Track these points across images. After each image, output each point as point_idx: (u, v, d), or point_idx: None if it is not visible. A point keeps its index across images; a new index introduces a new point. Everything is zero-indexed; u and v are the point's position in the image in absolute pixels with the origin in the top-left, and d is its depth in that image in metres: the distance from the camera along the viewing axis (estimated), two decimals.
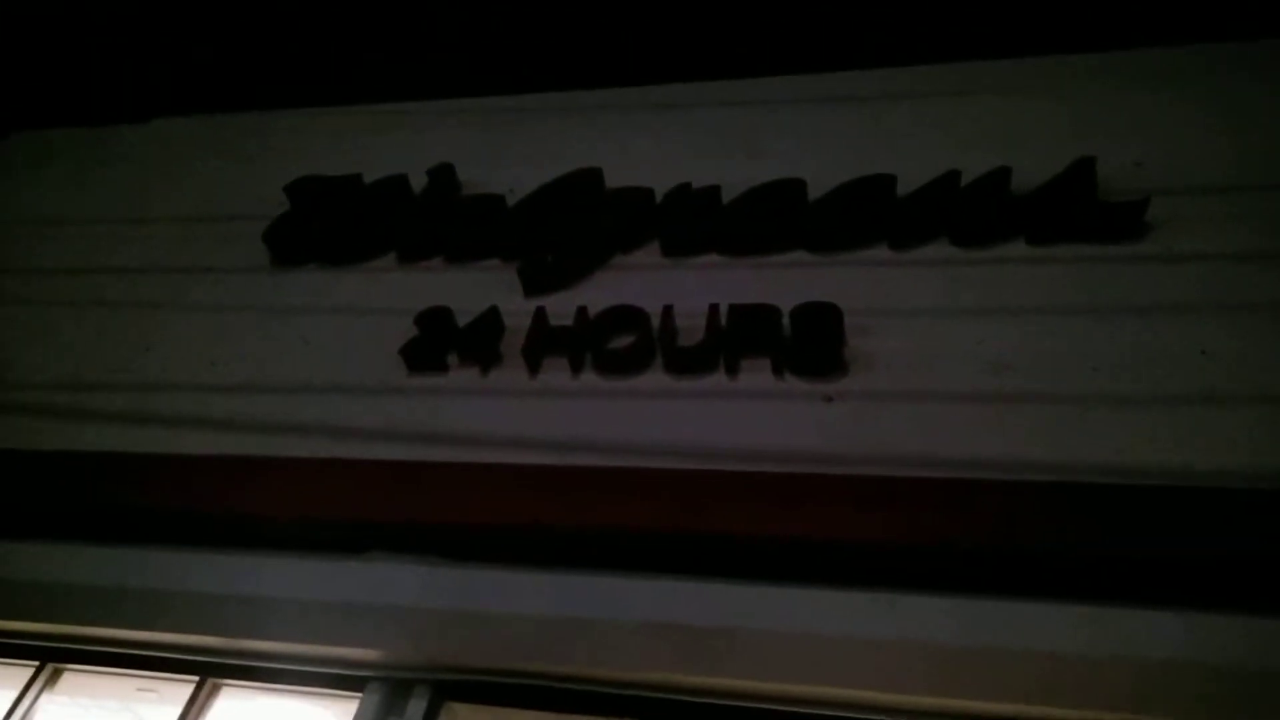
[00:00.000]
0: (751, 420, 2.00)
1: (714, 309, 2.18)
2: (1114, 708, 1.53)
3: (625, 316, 2.24)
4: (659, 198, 2.49)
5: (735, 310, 2.16)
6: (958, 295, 2.13)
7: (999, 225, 2.22)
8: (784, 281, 2.22)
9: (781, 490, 1.81)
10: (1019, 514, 1.68)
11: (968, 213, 2.25)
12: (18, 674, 2.11)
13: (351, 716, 1.86)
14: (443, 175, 2.72)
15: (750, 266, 2.33)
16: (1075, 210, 2.17)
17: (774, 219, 2.36)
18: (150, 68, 3.31)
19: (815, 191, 2.37)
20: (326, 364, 2.36)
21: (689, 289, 2.28)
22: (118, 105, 3.33)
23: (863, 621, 1.63)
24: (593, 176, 2.59)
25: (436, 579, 1.84)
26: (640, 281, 2.35)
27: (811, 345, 2.07)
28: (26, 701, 2.07)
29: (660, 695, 1.77)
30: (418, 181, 2.72)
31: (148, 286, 2.69)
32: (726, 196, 2.42)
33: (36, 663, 2.11)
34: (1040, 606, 1.58)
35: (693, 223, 2.43)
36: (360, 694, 1.88)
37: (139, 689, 2.08)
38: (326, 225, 2.68)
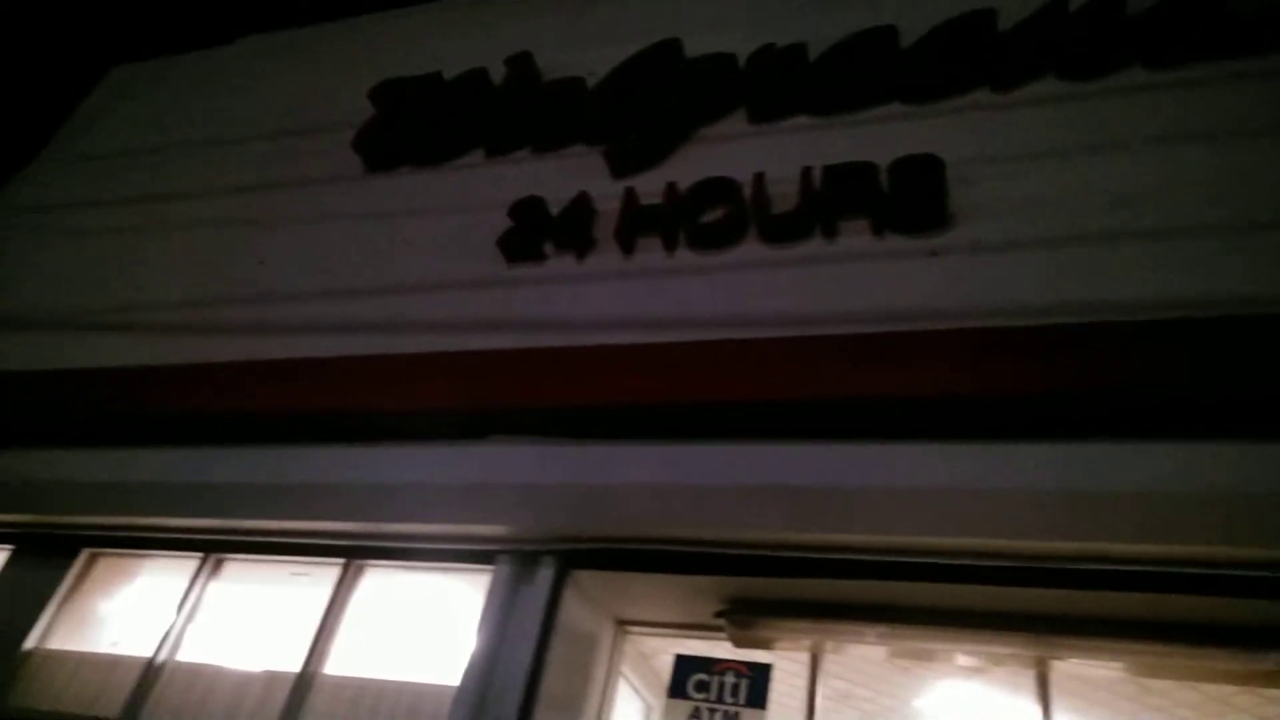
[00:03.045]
0: (854, 282, 1.95)
1: (807, 172, 2.11)
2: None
3: (716, 188, 2.20)
4: (742, 63, 2.40)
5: (830, 171, 2.09)
6: (1066, 134, 2.00)
7: (1113, 51, 2.05)
8: (880, 137, 2.13)
9: (892, 349, 1.78)
10: (1150, 355, 1.62)
11: (1078, 41, 2.09)
12: (186, 565, 2.33)
13: (486, 587, 1.98)
14: (521, 64, 2.69)
15: (843, 125, 2.24)
16: (1202, 24, 1.99)
17: (865, 72, 2.25)
18: None
19: (907, 39, 2.24)
20: (428, 263, 2.41)
21: (780, 154, 2.21)
22: (205, 30, 3.40)
23: (984, 473, 1.62)
24: (672, 48, 2.51)
25: (554, 457, 1.91)
26: (729, 151, 2.29)
27: (912, 201, 2.00)
28: (196, 588, 2.28)
29: (772, 554, 1.82)
30: (498, 72, 2.70)
31: (252, 204, 2.79)
32: (813, 54, 2.32)
33: (201, 554, 2.32)
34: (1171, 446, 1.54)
35: (779, 85, 2.34)
36: (492, 567, 2.00)
37: (293, 573, 2.27)
38: (413, 127, 2.71)
